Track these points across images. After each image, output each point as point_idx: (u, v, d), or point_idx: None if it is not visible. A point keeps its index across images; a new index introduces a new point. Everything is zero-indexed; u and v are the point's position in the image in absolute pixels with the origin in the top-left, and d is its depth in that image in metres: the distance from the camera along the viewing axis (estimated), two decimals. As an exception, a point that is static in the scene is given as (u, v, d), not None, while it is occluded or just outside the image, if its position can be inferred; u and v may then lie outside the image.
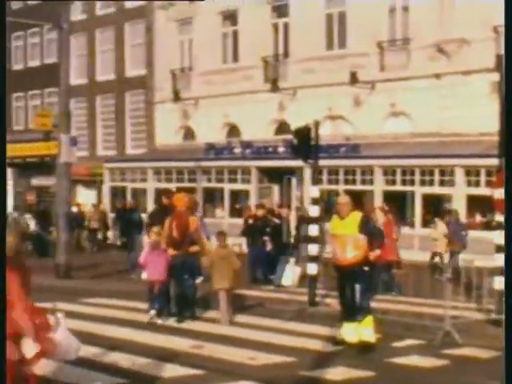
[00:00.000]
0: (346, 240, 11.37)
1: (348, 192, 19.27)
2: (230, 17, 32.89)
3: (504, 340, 6.91)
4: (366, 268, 11.52)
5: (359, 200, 22.26)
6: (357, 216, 11.61)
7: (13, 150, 42.24)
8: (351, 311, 11.53)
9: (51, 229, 27.51)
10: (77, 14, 35.71)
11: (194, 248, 14.11)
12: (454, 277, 13.41)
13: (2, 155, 7.37)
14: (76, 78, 34.66)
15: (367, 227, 11.62)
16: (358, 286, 11.41)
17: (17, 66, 43.38)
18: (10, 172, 43.85)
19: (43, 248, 27.17)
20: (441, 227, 21.23)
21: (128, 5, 36.56)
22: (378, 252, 11.59)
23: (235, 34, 32.73)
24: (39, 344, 6.65)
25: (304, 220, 18.79)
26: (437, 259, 21.23)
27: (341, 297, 11.82)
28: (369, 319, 11.47)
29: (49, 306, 7.81)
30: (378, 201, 25.07)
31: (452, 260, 19.45)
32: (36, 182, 42.05)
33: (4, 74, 8.15)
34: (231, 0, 32.00)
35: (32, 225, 30.30)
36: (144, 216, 24.91)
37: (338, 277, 11.83)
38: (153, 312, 14.00)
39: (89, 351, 7.70)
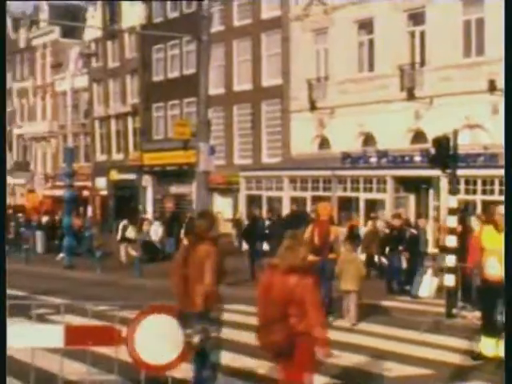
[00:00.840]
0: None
1: (486, 203, 18.92)
2: (366, 25, 32.78)
3: (504, 340, 6.88)
4: None
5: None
6: None
7: (153, 159, 43.69)
8: (495, 327, 11.17)
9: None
10: (215, 25, 36.40)
11: (333, 255, 14.81)
12: None
13: (1, 157, 7.60)
14: (213, 88, 35.25)
15: None
16: None
17: (157, 77, 44.62)
18: (149, 180, 45.21)
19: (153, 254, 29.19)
20: None
21: (264, 16, 37.07)
22: None
23: (371, 43, 32.59)
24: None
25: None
26: None
27: (487, 311, 11.45)
28: None
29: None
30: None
31: None
32: (174, 189, 43.08)
33: (3, 74, 8.37)
34: (367, 9, 31.97)
35: (160, 232, 31.19)
36: (267, 224, 25.39)
37: (487, 291, 11.41)
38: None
39: (226, 356, 7.93)
